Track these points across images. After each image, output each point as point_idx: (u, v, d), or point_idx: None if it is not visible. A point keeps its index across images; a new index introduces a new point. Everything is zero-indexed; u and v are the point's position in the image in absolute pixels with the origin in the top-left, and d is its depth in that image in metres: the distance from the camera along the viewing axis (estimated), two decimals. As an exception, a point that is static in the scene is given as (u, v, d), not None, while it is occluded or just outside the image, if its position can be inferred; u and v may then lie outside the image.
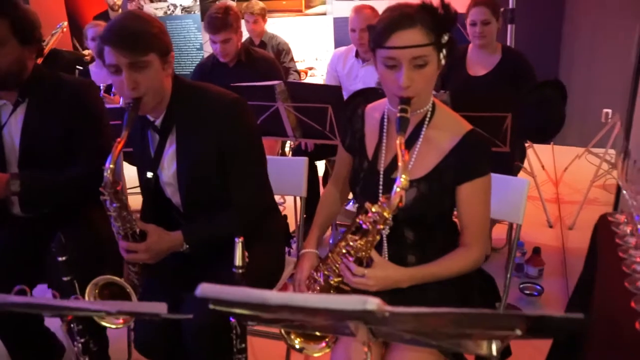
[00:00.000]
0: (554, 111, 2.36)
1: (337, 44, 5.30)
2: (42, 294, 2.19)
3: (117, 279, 1.65)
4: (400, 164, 1.37)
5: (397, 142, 1.40)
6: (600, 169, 4.02)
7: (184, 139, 1.76)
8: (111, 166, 1.60)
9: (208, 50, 6.24)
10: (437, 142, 1.56)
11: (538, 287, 2.93)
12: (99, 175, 2.00)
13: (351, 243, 1.50)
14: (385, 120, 1.64)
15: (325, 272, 1.62)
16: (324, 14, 5.81)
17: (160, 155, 1.80)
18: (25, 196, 1.94)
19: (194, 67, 6.62)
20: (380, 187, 1.60)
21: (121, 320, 1.62)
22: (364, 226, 1.46)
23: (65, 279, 1.60)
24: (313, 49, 5.86)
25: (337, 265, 1.55)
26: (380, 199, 1.43)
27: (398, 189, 1.36)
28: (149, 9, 6.54)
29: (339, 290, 1.63)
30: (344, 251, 1.52)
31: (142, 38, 1.60)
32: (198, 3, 6.21)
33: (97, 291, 1.67)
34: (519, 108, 2.21)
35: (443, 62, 1.49)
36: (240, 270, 1.43)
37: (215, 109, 1.73)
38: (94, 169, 1.95)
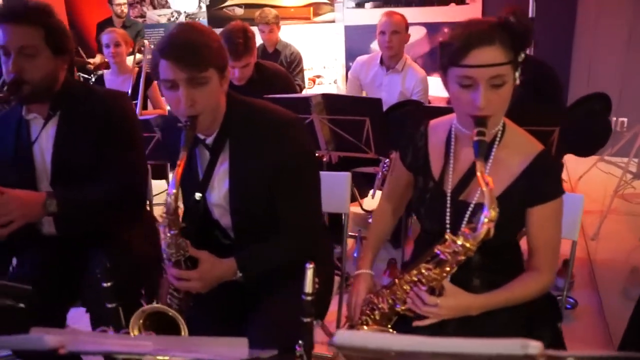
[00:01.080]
0: (601, 123, 2.32)
1: (348, 52, 5.26)
2: (78, 317, 2.10)
3: (169, 310, 1.56)
4: (486, 194, 1.30)
5: (478, 170, 1.32)
6: (622, 180, 3.99)
7: (238, 156, 1.64)
8: (174, 191, 1.49)
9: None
10: (507, 164, 1.49)
11: (571, 300, 2.88)
12: (133, 191, 1.94)
13: (424, 272, 1.43)
14: (453, 138, 1.57)
15: (390, 299, 1.56)
16: (333, 21, 5.76)
17: (210, 175, 1.68)
18: (62, 216, 1.83)
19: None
20: (448, 209, 1.53)
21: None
22: (442, 256, 1.39)
23: (110, 306, 1.52)
24: (321, 57, 5.81)
25: (405, 293, 1.49)
26: (464, 229, 1.36)
27: (486, 220, 1.29)
28: (152, 15, 6.47)
29: (400, 317, 1.58)
30: (415, 279, 1.46)
31: (203, 53, 1.48)
32: (203, 10, 6.14)
33: (141, 321, 1.59)
34: (565, 121, 2.16)
35: (517, 81, 1.43)
36: (309, 298, 1.36)
37: (273, 128, 1.62)
38: (128, 183, 1.90)
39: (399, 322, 1.58)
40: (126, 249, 1.96)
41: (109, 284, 1.47)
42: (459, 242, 1.35)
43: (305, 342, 1.41)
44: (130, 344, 0.94)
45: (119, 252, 1.92)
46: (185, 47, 1.47)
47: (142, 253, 1.96)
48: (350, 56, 5.13)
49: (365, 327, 1.63)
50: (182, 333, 1.55)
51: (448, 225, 1.53)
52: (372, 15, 5.27)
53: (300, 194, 1.68)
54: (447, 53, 1.41)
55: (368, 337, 0.76)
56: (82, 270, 1.92)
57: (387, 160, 2.99)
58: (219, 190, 1.70)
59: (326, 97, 2.58)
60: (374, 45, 5.29)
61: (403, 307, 1.51)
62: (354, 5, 5.26)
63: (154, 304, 1.58)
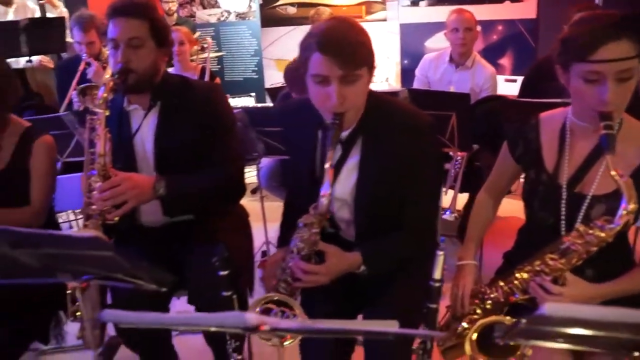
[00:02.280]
0: None
1: (404, 50, 5.27)
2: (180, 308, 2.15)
3: (288, 299, 1.60)
4: (623, 186, 1.32)
5: (609, 163, 1.35)
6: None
7: (370, 152, 1.64)
8: (329, 192, 1.51)
9: (267, 56, 6.25)
10: (624, 155, 1.49)
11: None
12: (235, 179, 2.00)
13: (550, 262, 1.45)
14: (568, 131, 1.58)
15: (506, 288, 1.58)
16: (384, 20, 5.78)
17: (339, 169, 1.67)
18: (170, 201, 1.89)
19: (248, 73, 6.73)
20: (563, 201, 1.55)
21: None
22: (572, 247, 1.41)
23: (225, 294, 1.56)
24: (372, 55, 5.82)
25: (525, 283, 1.52)
26: (598, 222, 1.39)
27: (624, 212, 1.32)
28: (202, 15, 6.55)
29: (511, 307, 1.60)
30: (537, 269, 1.48)
31: (360, 51, 1.48)
32: (254, 9, 6.21)
33: (258, 308, 1.63)
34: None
35: None
36: (437, 284, 1.39)
37: (408, 125, 1.63)
38: (231, 172, 1.96)
39: (509, 312, 1.61)
40: (221, 239, 1.96)
41: (225, 272, 1.53)
42: (594, 233, 1.37)
43: (429, 327, 1.45)
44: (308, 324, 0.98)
45: (215, 241, 1.96)
46: (344, 44, 1.46)
47: (235, 244, 1.97)
48: (406, 54, 5.14)
49: (475, 317, 1.66)
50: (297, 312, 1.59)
51: (563, 218, 1.55)
52: (427, 14, 5.28)
53: (426, 192, 1.71)
54: (572, 49, 1.42)
55: (579, 308, 0.79)
56: (183, 260, 1.96)
57: (459, 157, 3.01)
58: (344, 184, 1.69)
59: (412, 91, 2.61)
60: (429, 43, 5.32)
61: (523, 297, 1.54)
62: (409, 3, 5.28)
63: (272, 294, 1.63)
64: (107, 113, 1.82)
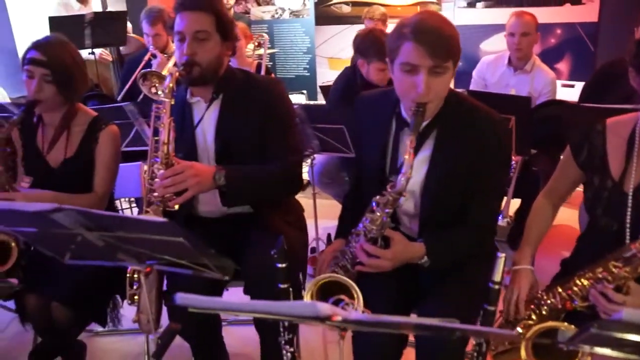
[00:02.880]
0: None
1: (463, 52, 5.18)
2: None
3: (344, 279, 1.59)
4: None
5: None
6: None
7: (443, 146, 1.66)
8: (408, 172, 1.53)
9: (320, 54, 6.27)
10: None
11: None
12: (294, 171, 2.00)
13: (614, 270, 1.42)
14: (637, 137, 1.55)
15: (564, 295, 1.56)
16: (439, 20, 5.72)
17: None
18: (229, 191, 1.88)
19: (300, 71, 6.77)
20: (629, 209, 1.51)
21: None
22: (638, 255, 1.38)
23: (282, 286, 1.58)
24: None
25: (585, 290, 1.49)
26: None
27: None
28: (257, 12, 6.63)
29: (568, 314, 1.57)
30: (599, 276, 1.45)
31: (451, 44, 1.54)
32: (308, 7, 6.24)
33: (311, 292, 1.64)
34: None
35: None
36: (497, 286, 1.38)
37: (485, 124, 1.66)
38: (290, 164, 1.97)
39: (566, 318, 1.58)
40: (277, 231, 1.97)
41: (284, 264, 1.54)
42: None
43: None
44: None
45: (271, 233, 1.96)
46: (438, 35, 1.51)
47: (291, 238, 1.98)
48: (461, 56, 5.08)
49: (530, 322, 1.63)
50: (356, 301, 1.59)
51: (628, 225, 1.51)
52: (484, 15, 5.20)
53: (494, 192, 1.74)
54: None
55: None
56: (240, 251, 1.96)
57: (514, 162, 2.95)
58: (414, 176, 1.66)
59: (472, 93, 2.58)
60: (484, 46, 5.23)
61: (582, 304, 1.51)
62: (465, 4, 5.21)
63: (327, 274, 1.62)
64: (172, 102, 1.86)
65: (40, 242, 1.41)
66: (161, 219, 1.02)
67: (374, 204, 1.60)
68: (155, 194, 1.81)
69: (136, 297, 1.86)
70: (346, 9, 6.01)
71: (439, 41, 1.51)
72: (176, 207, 1.83)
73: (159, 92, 1.91)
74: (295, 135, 2.05)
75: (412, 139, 1.53)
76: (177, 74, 1.85)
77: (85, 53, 4.34)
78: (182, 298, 0.83)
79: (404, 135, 1.70)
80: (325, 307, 0.85)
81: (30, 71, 2.02)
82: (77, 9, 4.81)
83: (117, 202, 3.63)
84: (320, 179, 3.36)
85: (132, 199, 3.83)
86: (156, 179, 1.81)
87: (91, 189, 2.13)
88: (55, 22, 4.12)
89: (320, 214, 3.18)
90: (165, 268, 1.41)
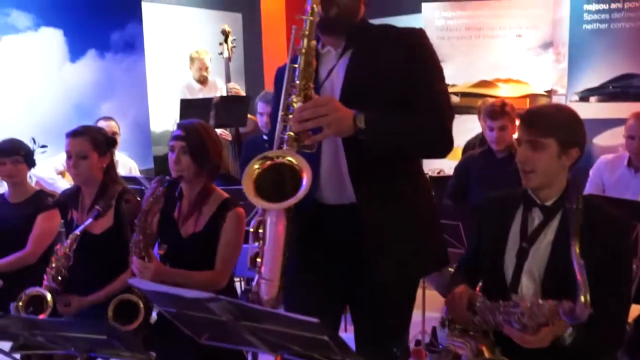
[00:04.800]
0: None
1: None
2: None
3: None
4: None
5: None
6: None
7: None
8: None
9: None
10: None
11: None
12: (444, 127, 1.77)
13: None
14: None
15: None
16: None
17: (533, 241, 1.82)
18: (369, 137, 1.65)
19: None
20: None
21: None
22: None
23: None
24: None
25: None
26: None
27: None
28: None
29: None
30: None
31: (547, 120, 1.80)
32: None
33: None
34: None
35: None
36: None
37: (614, 223, 1.80)
38: (440, 119, 1.76)
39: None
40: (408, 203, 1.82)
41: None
42: None
43: None
44: None
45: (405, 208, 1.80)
46: (539, 111, 1.90)
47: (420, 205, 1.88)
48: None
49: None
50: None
51: None
52: (597, 109, 5.12)
53: (621, 293, 1.80)
54: None
55: None
56: (364, 269, 1.80)
57: (635, 267, 2.82)
58: (537, 258, 1.81)
59: (588, 198, 2.52)
60: (598, 140, 5.12)
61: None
62: (577, 99, 5.17)
63: None
64: (314, 43, 1.70)
65: (181, 319, 1.53)
66: (313, 319, 1.07)
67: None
68: (290, 132, 1.63)
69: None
70: (455, 99, 6.10)
71: (536, 116, 1.80)
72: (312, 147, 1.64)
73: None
74: (445, 87, 1.88)
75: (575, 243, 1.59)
76: (315, 17, 1.66)
77: (208, 132, 4.69)
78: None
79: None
80: None
81: (172, 146, 2.31)
82: (197, 89, 5.27)
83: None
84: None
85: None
86: (291, 113, 1.63)
87: (213, 265, 2.29)
88: (185, 103, 4.52)
89: (429, 306, 3.17)
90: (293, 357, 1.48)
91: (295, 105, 1.62)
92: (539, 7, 5.81)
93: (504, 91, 5.84)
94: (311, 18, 1.65)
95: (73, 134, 2.62)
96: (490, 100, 4.75)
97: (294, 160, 1.53)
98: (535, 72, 5.83)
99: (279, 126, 1.66)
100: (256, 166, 1.53)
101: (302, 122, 1.58)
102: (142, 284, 1.64)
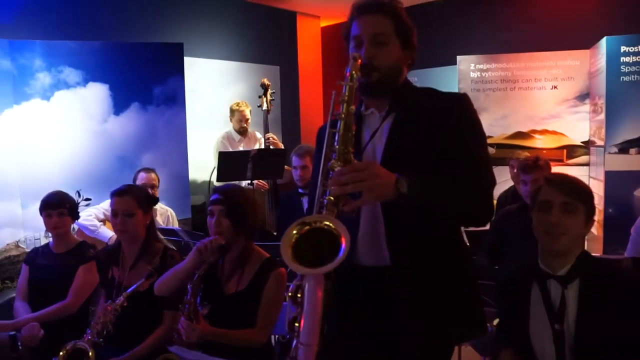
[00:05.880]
0: None
1: (608, 198, 4.99)
2: None
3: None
4: None
5: None
6: None
7: (589, 296, 1.81)
8: None
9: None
10: None
11: None
12: (486, 195, 1.74)
13: None
14: None
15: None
16: (587, 164, 5.64)
17: (563, 308, 1.83)
18: (411, 201, 1.62)
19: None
20: None
21: None
22: None
23: None
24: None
25: None
26: None
27: None
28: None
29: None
30: None
31: (578, 187, 1.93)
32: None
33: None
34: None
35: None
36: None
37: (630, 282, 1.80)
38: (483, 184, 1.73)
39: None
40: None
41: None
42: None
43: None
44: None
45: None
46: (567, 177, 1.97)
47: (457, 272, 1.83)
48: (610, 202, 4.91)
49: None
50: None
51: None
52: (636, 161, 5.04)
53: None
54: None
55: None
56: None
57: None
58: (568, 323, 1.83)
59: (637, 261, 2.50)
60: (638, 192, 5.02)
61: None
62: (616, 150, 5.10)
63: None
64: (353, 108, 1.68)
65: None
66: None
67: None
68: (329, 196, 1.60)
69: None
70: (491, 150, 6.09)
71: (569, 180, 1.91)
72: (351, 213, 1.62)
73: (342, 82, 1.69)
74: (488, 153, 1.85)
75: None
76: (354, 82, 1.66)
77: (244, 183, 4.79)
78: None
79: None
80: None
81: (212, 210, 2.35)
82: (237, 140, 5.40)
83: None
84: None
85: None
86: (330, 178, 1.61)
87: (255, 321, 2.31)
88: (223, 156, 4.62)
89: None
90: None
91: (334, 169, 1.62)
92: (575, 59, 5.83)
93: (540, 142, 5.83)
94: (350, 84, 1.66)
95: (119, 193, 2.72)
96: (523, 153, 4.75)
97: (332, 225, 1.53)
98: (572, 123, 5.81)
99: (318, 190, 1.65)
100: (294, 231, 1.54)
101: (340, 187, 1.57)
102: (184, 352, 1.66)
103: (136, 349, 2.51)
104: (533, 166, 3.51)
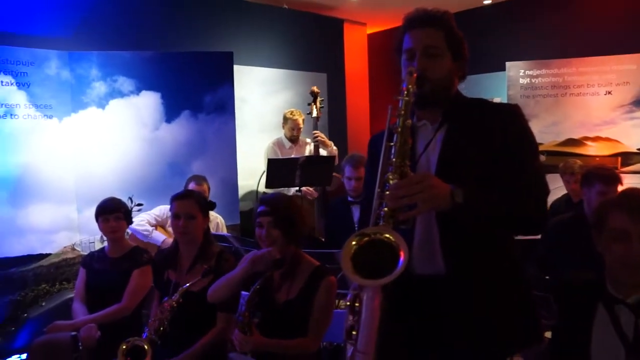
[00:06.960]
0: None
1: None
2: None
3: None
4: None
5: None
6: None
7: None
8: None
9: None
10: None
11: None
12: (540, 207, 1.76)
13: None
14: None
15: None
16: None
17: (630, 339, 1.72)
18: (467, 211, 1.64)
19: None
20: None
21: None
22: None
23: None
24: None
25: None
26: None
27: None
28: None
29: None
30: None
31: None
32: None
33: None
34: None
35: None
36: None
37: None
38: (537, 196, 1.74)
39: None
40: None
41: None
42: None
43: None
44: None
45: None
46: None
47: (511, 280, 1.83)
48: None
49: None
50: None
51: None
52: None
53: None
54: None
55: None
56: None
57: None
58: None
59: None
60: (699, 203, 4.83)
61: None
62: (673, 157, 4.96)
63: None
64: (409, 122, 1.70)
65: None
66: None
67: None
68: (385, 208, 1.63)
69: None
70: (541, 158, 5.99)
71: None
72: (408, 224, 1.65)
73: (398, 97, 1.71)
74: (540, 163, 1.88)
75: None
76: (410, 97, 1.69)
77: (293, 190, 4.82)
78: None
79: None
80: None
81: (260, 222, 2.38)
82: (287, 147, 5.45)
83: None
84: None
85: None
86: (387, 190, 1.64)
87: (306, 330, 2.33)
88: (272, 163, 4.67)
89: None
90: None
91: (391, 182, 1.64)
92: (629, 63, 5.67)
93: (593, 150, 5.68)
94: (406, 98, 1.68)
95: (181, 197, 2.83)
96: (573, 160, 4.65)
97: (391, 237, 1.54)
98: (628, 129, 5.64)
99: (375, 202, 1.67)
100: (354, 242, 1.56)
101: (397, 199, 1.59)
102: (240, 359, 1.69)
103: (189, 350, 2.56)
104: (615, 178, 3.26)
